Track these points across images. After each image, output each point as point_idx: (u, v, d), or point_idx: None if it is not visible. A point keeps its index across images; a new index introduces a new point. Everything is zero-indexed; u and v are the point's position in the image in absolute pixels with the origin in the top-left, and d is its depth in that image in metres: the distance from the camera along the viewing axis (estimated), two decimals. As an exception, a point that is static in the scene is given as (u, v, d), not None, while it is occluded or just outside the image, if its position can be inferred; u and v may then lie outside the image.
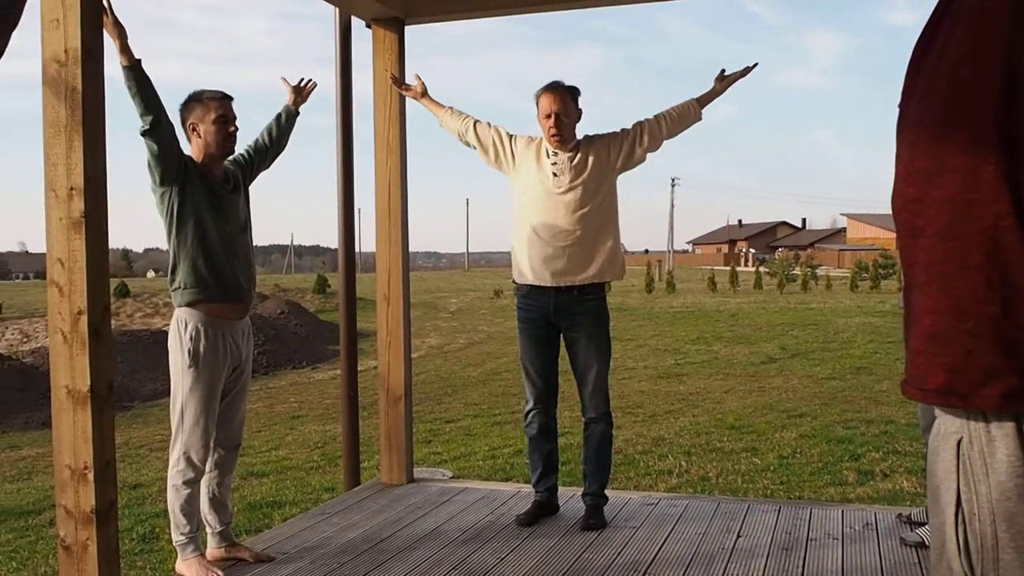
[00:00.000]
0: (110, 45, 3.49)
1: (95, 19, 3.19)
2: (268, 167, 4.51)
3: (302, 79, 4.65)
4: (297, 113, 4.60)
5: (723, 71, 4.87)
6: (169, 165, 3.88)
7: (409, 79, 5.28)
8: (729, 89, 4.86)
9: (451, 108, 5.08)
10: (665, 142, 4.83)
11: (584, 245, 4.68)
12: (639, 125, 4.79)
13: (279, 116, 4.53)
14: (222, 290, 4.03)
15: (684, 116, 4.82)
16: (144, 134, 3.79)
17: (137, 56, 3.71)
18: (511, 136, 4.93)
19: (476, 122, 5.00)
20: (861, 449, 7.88)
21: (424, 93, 5.17)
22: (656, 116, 4.81)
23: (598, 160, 4.73)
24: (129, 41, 3.67)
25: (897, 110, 1.59)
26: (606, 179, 4.75)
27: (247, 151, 4.39)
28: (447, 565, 4.14)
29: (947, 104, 1.44)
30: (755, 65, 4.86)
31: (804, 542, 4.40)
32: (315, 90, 4.68)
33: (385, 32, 5.40)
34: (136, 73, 3.74)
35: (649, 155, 4.83)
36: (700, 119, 4.85)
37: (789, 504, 5.23)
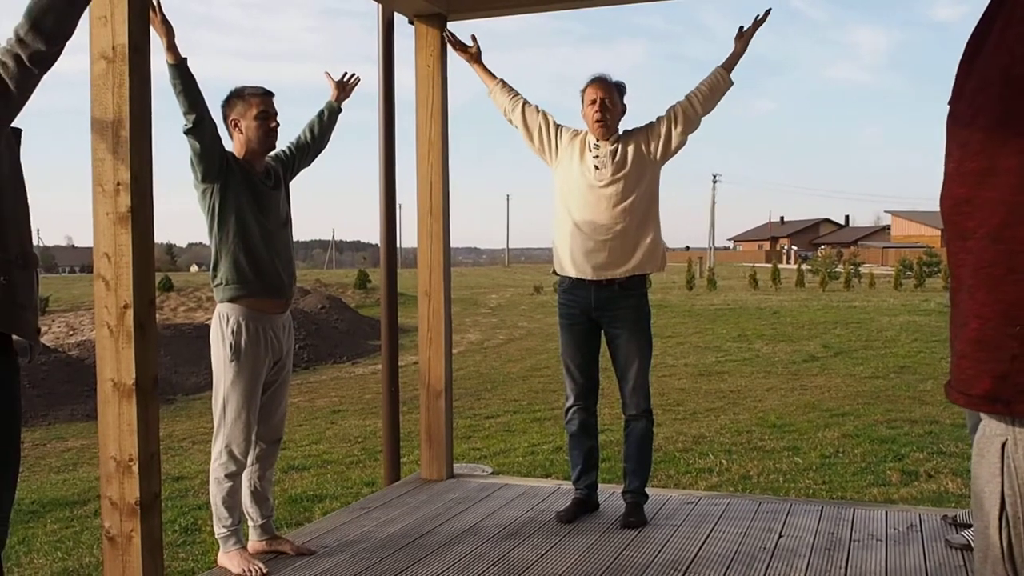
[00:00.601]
0: (157, 42, 3.52)
1: (142, 16, 3.22)
2: (310, 164, 4.53)
3: (345, 73, 4.67)
4: (339, 110, 4.60)
5: (741, 28, 4.82)
6: (211, 163, 3.90)
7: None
8: (750, 46, 4.81)
9: (502, 81, 5.07)
10: (704, 119, 4.78)
11: (625, 238, 4.67)
12: (672, 109, 4.76)
13: (321, 113, 4.55)
14: (264, 286, 4.05)
15: (715, 87, 4.76)
16: (187, 132, 3.83)
17: (183, 55, 3.75)
18: (558, 126, 4.91)
19: (525, 103, 4.97)
20: (905, 449, 7.79)
21: (478, 58, 5.16)
22: (687, 96, 4.77)
23: (638, 153, 4.71)
24: (176, 39, 3.71)
25: (947, 107, 1.56)
26: (647, 171, 4.73)
27: (289, 147, 4.41)
28: (487, 561, 4.15)
29: (1000, 104, 1.41)
30: (768, 11, 4.79)
31: (847, 543, 4.35)
32: (358, 86, 4.70)
33: (427, 28, 5.40)
34: (181, 71, 3.77)
35: (690, 137, 4.78)
36: (731, 84, 4.78)
37: (832, 504, 5.18)
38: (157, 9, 3.71)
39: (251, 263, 4.01)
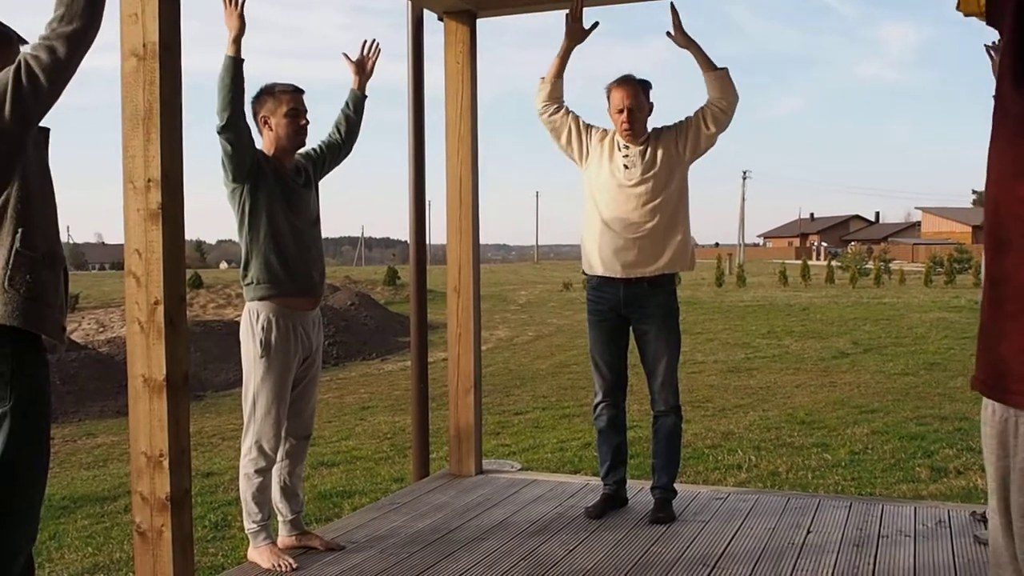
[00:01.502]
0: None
1: (173, 13, 3.24)
2: (341, 162, 4.52)
3: (364, 46, 4.54)
4: (364, 96, 4.53)
5: (669, 33, 4.72)
6: (242, 163, 3.93)
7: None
8: (692, 46, 4.71)
9: (561, 79, 4.93)
10: (731, 117, 4.72)
11: (655, 237, 4.66)
12: (701, 110, 4.72)
13: (346, 105, 4.51)
14: (295, 286, 4.07)
15: (718, 84, 4.66)
16: (220, 131, 3.85)
17: (243, 56, 3.80)
18: (588, 127, 4.89)
19: (562, 104, 4.92)
20: (934, 446, 7.73)
21: (575, 44, 4.90)
22: (708, 100, 4.72)
23: (667, 152, 4.71)
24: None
25: (992, 102, 1.54)
26: (676, 170, 4.72)
27: (320, 146, 4.42)
28: (515, 556, 4.16)
29: None
30: (671, 5, 4.69)
31: (875, 539, 4.33)
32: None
33: (457, 25, 5.41)
34: (236, 66, 3.82)
35: (720, 137, 4.75)
36: (725, 69, 4.68)
37: (860, 500, 5.16)
38: (237, 4, 3.79)
39: (282, 263, 4.03)
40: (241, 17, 3.82)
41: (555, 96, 4.92)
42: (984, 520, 4.49)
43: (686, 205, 4.80)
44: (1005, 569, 1.56)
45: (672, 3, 4.69)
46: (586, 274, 4.90)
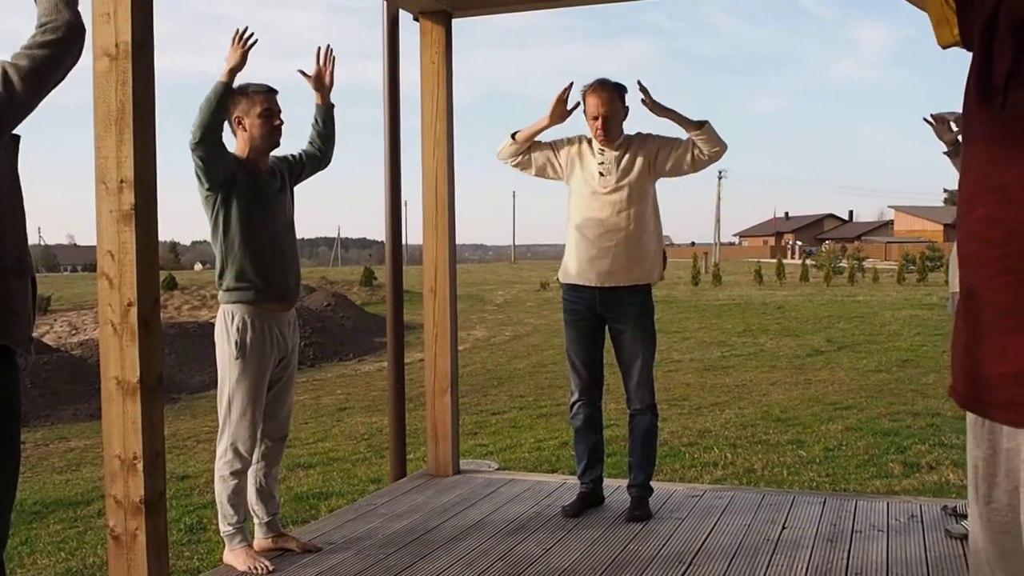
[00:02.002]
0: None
1: (145, 13, 3.21)
2: (321, 170, 4.50)
3: (318, 56, 4.35)
4: (331, 107, 4.44)
5: (643, 101, 4.69)
6: (215, 176, 3.91)
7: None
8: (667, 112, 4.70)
9: (526, 144, 4.92)
10: (720, 157, 4.73)
11: (629, 246, 4.67)
12: (691, 149, 4.69)
13: (316, 121, 4.42)
14: (270, 292, 4.05)
15: (708, 140, 4.65)
16: (193, 147, 3.83)
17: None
18: (555, 147, 4.88)
19: (525, 155, 4.92)
20: (907, 442, 7.80)
21: (552, 126, 4.86)
22: (698, 149, 4.71)
23: (646, 161, 4.70)
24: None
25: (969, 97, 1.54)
26: (651, 179, 4.74)
27: (300, 154, 4.37)
28: (493, 556, 4.16)
29: None
30: (640, 84, 4.67)
31: (849, 534, 4.37)
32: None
33: (432, 25, 5.41)
34: (225, 92, 3.82)
35: (687, 175, 4.78)
36: (708, 129, 4.64)
37: (834, 496, 5.20)
38: (244, 42, 3.82)
39: (257, 271, 4.00)
40: (245, 54, 3.84)
41: (520, 153, 4.92)
42: (955, 514, 4.54)
43: (659, 214, 4.82)
44: (982, 563, 1.57)
45: (639, 80, 4.67)
46: (561, 282, 4.90)
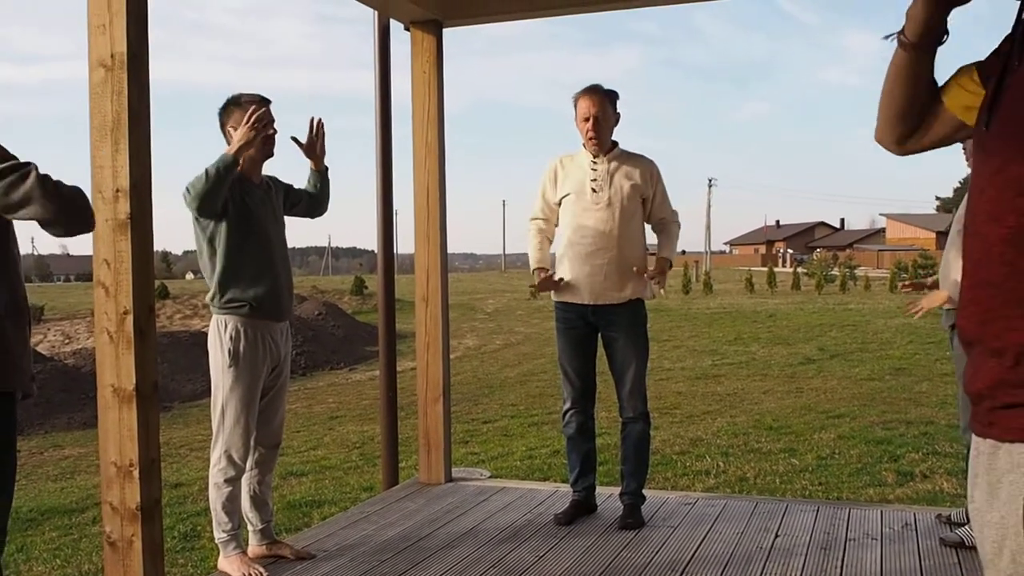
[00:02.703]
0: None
1: (140, 24, 3.24)
2: (312, 217, 4.57)
3: (311, 128, 4.41)
4: (325, 169, 4.50)
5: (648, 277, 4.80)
6: (212, 216, 3.96)
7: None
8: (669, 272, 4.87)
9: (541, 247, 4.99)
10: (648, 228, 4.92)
11: (621, 263, 4.71)
12: (653, 212, 4.88)
13: (310, 184, 4.48)
14: (263, 311, 4.06)
15: (668, 237, 4.90)
16: (196, 216, 3.94)
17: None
18: (552, 186, 4.90)
19: (540, 223, 4.97)
20: (900, 450, 7.82)
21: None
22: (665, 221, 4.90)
23: (635, 184, 4.75)
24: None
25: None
26: (640, 201, 4.78)
27: (301, 191, 4.43)
28: (485, 563, 4.17)
29: None
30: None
31: (843, 542, 4.38)
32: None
33: (423, 34, 5.43)
34: (232, 168, 3.86)
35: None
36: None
37: (828, 504, 5.22)
38: (253, 124, 3.87)
39: (249, 293, 4.01)
40: (256, 136, 3.91)
41: (539, 241, 4.99)
42: (950, 523, 4.56)
43: (645, 236, 4.88)
44: None
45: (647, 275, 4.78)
46: (553, 300, 4.92)
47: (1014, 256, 1.42)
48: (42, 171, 2.55)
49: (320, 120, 4.42)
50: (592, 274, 4.71)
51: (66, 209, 2.57)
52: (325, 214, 4.61)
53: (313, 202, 4.49)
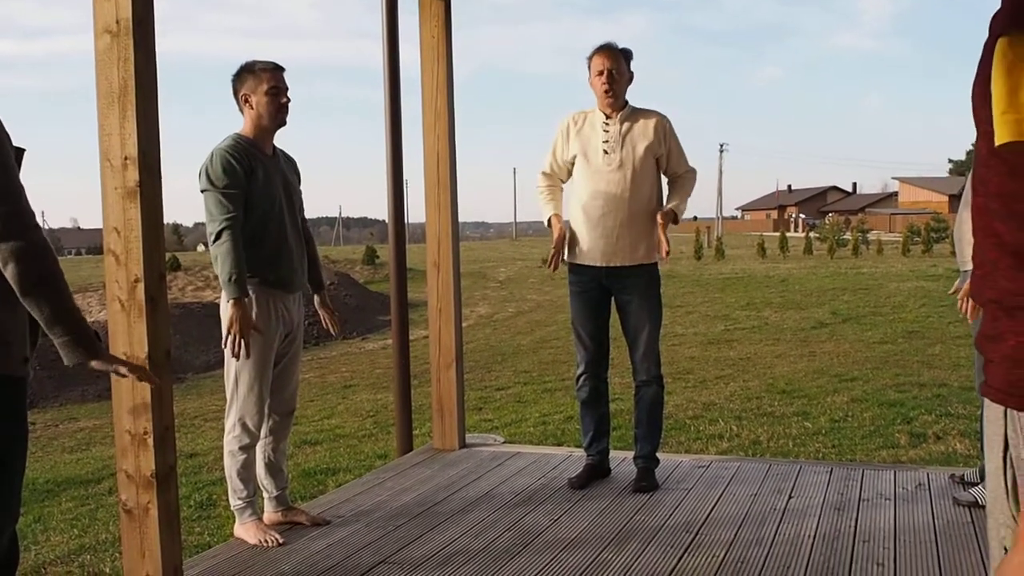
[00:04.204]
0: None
1: (145, -11, 3.21)
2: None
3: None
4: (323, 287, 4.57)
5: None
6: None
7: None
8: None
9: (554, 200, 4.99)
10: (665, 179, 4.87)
11: (634, 224, 4.68)
12: (670, 167, 4.84)
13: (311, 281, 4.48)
14: (275, 283, 4.06)
15: (681, 189, 4.84)
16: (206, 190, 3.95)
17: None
18: (564, 145, 4.87)
19: (548, 176, 4.97)
20: (913, 412, 7.81)
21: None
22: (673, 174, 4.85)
23: (649, 144, 4.71)
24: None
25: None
26: (654, 160, 4.74)
27: (301, 197, 4.38)
28: (500, 527, 4.19)
29: None
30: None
31: (856, 502, 4.39)
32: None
33: (431, 1, 5.39)
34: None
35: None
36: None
37: (841, 465, 5.22)
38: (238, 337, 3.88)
39: (266, 264, 4.02)
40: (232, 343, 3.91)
41: (550, 195, 4.98)
42: (963, 482, 4.56)
43: (662, 192, 4.83)
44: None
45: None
46: (566, 261, 4.90)
47: (986, 221, 1.41)
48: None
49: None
50: (605, 236, 4.69)
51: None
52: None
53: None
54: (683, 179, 4.86)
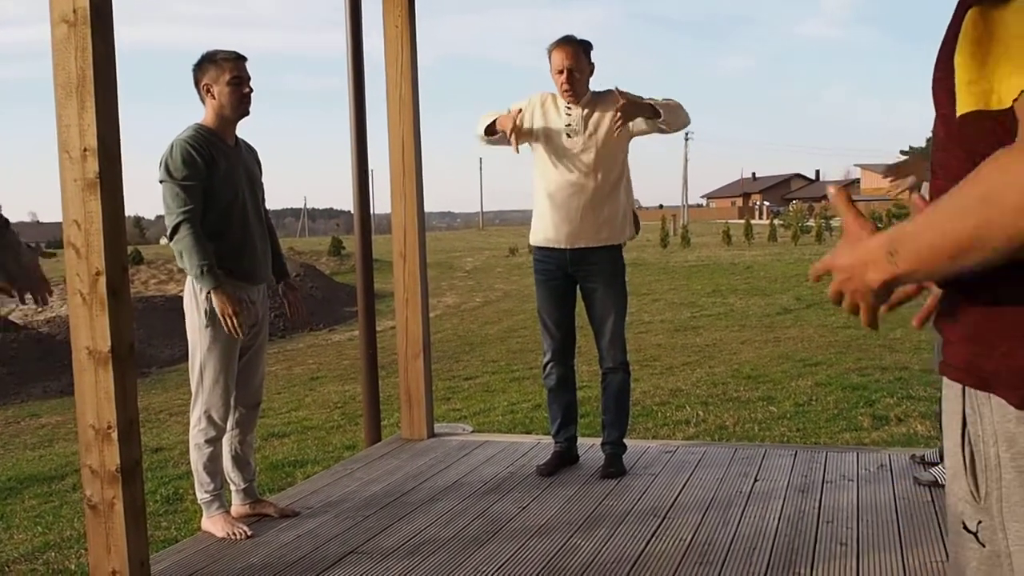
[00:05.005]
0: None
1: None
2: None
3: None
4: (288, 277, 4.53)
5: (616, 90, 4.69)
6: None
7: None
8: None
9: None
10: (683, 128, 4.80)
11: (597, 207, 4.69)
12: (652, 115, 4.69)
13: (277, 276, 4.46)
14: (239, 275, 4.04)
15: (671, 118, 4.65)
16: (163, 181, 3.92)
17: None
18: (529, 112, 4.84)
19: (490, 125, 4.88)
20: (876, 395, 7.90)
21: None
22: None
23: (613, 122, 4.70)
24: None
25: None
26: (620, 140, 4.74)
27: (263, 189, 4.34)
28: (469, 515, 4.19)
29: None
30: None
31: (820, 484, 4.44)
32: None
33: (393, -12, 5.36)
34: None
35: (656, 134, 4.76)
36: (675, 107, 4.66)
37: (805, 448, 5.27)
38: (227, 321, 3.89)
39: (228, 257, 3.99)
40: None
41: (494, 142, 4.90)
42: (923, 462, 4.62)
43: (628, 173, 4.82)
44: None
45: (616, 87, 4.67)
46: (531, 245, 4.90)
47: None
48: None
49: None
50: (569, 218, 4.69)
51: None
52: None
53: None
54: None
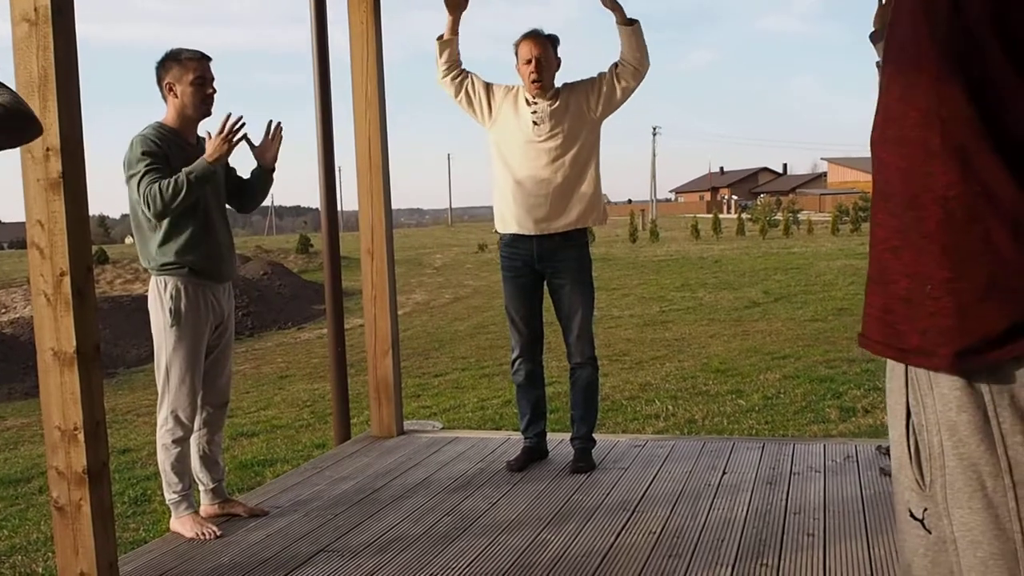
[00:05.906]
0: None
1: (63, -23, 3.15)
2: (239, 210, 4.45)
3: (266, 134, 4.30)
4: (271, 171, 4.33)
5: None
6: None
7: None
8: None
9: (455, 36, 4.89)
10: (644, 73, 4.75)
11: (565, 192, 4.70)
12: (614, 65, 4.73)
13: (252, 176, 4.33)
14: (204, 274, 4.02)
15: (631, 38, 4.67)
16: (157, 218, 3.89)
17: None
18: (488, 86, 4.90)
19: (463, 69, 4.91)
20: (843, 387, 7.97)
21: (458, 16, 4.87)
22: (620, 57, 4.73)
23: (578, 107, 4.73)
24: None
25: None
26: (586, 125, 4.75)
27: (238, 177, 4.32)
28: (440, 512, 4.20)
29: (900, 71, 1.43)
30: None
31: (787, 476, 4.47)
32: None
33: (357, -15, 5.35)
34: (206, 176, 3.86)
35: (636, 91, 4.77)
36: (636, 22, 4.67)
37: (773, 441, 5.31)
38: (228, 134, 3.86)
39: (193, 256, 3.96)
40: (231, 147, 3.88)
41: (454, 57, 4.89)
42: (888, 453, 4.66)
43: (597, 161, 4.83)
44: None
45: None
46: (499, 232, 4.92)
47: None
48: None
49: (279, 124, 4.33)
50: (537, 206, 4.70)
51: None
52: (246, 212, 4.49)
53: (247, 195, 4.35)
54: None
